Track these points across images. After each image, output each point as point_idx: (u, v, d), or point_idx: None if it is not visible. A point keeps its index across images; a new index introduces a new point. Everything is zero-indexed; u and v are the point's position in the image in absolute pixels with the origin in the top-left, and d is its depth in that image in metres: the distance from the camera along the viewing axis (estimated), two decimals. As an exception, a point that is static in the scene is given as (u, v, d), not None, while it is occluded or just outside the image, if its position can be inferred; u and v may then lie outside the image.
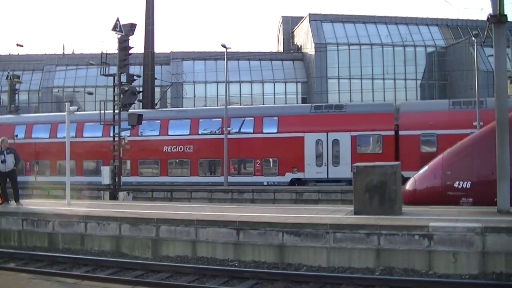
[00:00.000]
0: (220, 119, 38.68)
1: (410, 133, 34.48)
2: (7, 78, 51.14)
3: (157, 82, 45.12)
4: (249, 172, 38.85)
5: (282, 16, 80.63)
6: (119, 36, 34.07)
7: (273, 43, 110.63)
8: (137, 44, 36.87)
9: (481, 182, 18.42)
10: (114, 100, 33.90)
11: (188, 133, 39.46)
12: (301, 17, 74.17)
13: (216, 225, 15.96)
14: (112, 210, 19.30)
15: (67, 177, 22.13)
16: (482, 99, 33.62)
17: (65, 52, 75.80)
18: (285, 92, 69.08)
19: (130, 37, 34.73)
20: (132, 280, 13.18)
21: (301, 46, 73.97)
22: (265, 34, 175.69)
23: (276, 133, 37.91)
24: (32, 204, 22.11)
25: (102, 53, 35.11)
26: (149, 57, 38.17)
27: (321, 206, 18.53)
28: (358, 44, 66.77)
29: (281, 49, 79.98)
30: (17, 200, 22.02)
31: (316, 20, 69.21)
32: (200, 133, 39.67)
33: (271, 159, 38.49)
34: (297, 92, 69.84)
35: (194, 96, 66.96)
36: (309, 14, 70.19)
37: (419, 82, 69.64)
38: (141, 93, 36.92)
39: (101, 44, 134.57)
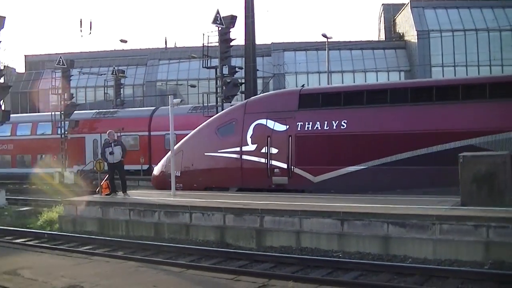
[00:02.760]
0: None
1: (157, 134, 40.69)
2: (112, 73, 52.45)
3: (259, 74, 45.27)
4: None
5: (382, 4, 79.31)
6: (220, 28, 34.41)
7: (374, 32, 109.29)
8: (237, 36, 37.31)
9: (185, 172, 24.21)
10: (216, 92, 34.31)
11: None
12: (402, 4, 72.70)
13: (321, 215, 15.89)
14: (217, 200, 19.45)
15: (172, 169, 22.38)
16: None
17: (167, 46, 77.05)
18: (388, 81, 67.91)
19: (231, 29, 35.03)
20: (236, 270, 13.27)
21: (403, 34, 72.63)
22: (366, 22, 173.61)
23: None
24: (139, 195, 22.58)
25: (203, 46, 35.51)
26: (250, 49, 38.30)
27: (426, 197, 18.08)
28: (463, 30, 64.79)
29: (382, 37, 78.83)
30: (124, 191, 22.62)
31: (418, 7, 67.65)
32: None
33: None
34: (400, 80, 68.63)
35: (297, 87, 66.74)
36: (410, 1, 68.67)
37: (528, 67, 67.02)
38: (243, 85, 37.14)
39: (202, 37, 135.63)
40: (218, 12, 34.14)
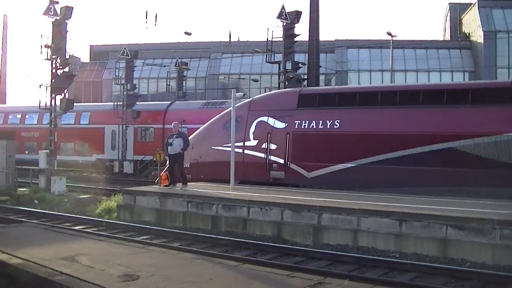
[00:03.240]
0: None
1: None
2: (175, 65, 52.88)
3: (321, 70, 45.06)
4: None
5: (449, 3, 78.10)
6: (285, 23, 34.38)
7: (439, 31, 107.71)
8: (301, 31, 37.31)
9: (194, 164, 25.68)
10: (279, 87, 34.27)
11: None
12: (470, 4, 71.44)
13: (378, 215, 15.75)
14: (275, 195, 19.44)
15: (232, 163, 22.40)
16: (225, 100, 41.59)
17: (231, 40, 77.34)
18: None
19: (296, 25, 34.98)
20: (291, 266, 13.24)
21: (469, 34, 71.44)
22: (431, 21, 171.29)
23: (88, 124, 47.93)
24: (197, 187, 22.70)
25: (267, 40, 35.54)
26: (314, 45, 38.10)
27: (486, 200, 17.78)
28: (531, 30, 63.58)
29: (447, 37, 77.68)
30: (184, 183, 22.80)
31: (486, 6, 66.39)
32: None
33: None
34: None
35: (359, 84, 66.39)
36: (478, 0, 67.61)
37: None
38: (305, 81, 37.04)
39: (264, 32, 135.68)
40: (283, 7, 34.15)
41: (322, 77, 50.45)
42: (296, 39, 35.90)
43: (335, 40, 70.95)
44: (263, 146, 24.04)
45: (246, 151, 24.41)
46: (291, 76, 33.92)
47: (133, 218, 21.25)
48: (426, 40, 70.64)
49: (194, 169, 25.55)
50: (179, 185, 22.87)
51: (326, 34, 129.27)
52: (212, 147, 25.58)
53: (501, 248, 13.77)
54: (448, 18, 78.34)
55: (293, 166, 23.31)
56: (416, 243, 14.94)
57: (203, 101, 46.16)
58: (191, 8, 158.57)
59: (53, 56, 31.24)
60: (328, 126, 22.88)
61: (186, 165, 24.80)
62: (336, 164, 22.21)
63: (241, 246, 16.16)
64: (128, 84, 46.58)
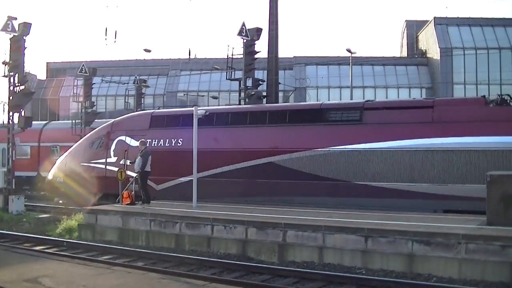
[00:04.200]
0: None
1: (45, 145, 44.81)
2: (134, 83, 52.50)
3: (280, 87, 45.13)
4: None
5: (406, 20, 79.11)
6: (245, 40, 34.38)
7: (396, 48, 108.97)
8: (261, 48, 37.18)
9: (66, 178, 28.48)
10: (239, 104, 34.20)
11: None
12: (426, 21, 72.50)
13: (344, 231, 15.75)
14: (239, 213, 19.34)
15: (194, 177, 22.28)
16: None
17: (190, 57, 77.25)
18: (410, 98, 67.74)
19: (256, 42, 35.01)
20: (259, 285, 13.15)
21: (425, 51, 72.47)
22: (389, 38, 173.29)
23: None
24: (160, 205, 22.52)
25: (228, 57, 35.52)
26: (273, 62, 38.17)
27: (452, 215, 17.98)
28: (486, 48, 64.59)
29: (405, 53, 78.64)
30: (146, 201, 22.87)
31: (442, 24, 67.44)
32: None
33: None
34: (421, 98, 68.41)
35: (318, 101, 66.65)
36: (434, 17, 68.48)
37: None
38: (265, 98, 37.04)
39: (223, 49, 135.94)
40: (243, 24, 34.12)
41: (281, 94, 50.53)
42: (256, 56, 35.89)
43: (294, 57, 71.29)
44: (121, 162, 26.33)
45: (108, 167, 27.13)
46: (252, 93, 33.86)
47: (95, 238, 20.96)
48: (383, 57, 71.50)
49: (66, 183, 28.41)
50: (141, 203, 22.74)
51: (284, 51, 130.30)
52: (81, 164, 28.36)
53: (466, 262, 13.86)
54: (405, 35, 79.32)
55: None
56: (382, 259, 14.99)
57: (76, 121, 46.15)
58: (150, 25, 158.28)
59: (11, 73, 30.76)
60: (172, 144, 26.19)
61: (60, 180, 28.65)
62: (178, 177, 25.15)
63: (206, 264, 15.99)
64: (87, 102, 46.09)
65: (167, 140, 26.40)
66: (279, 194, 22.74)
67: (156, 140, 26.48)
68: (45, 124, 49.09)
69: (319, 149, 22.45)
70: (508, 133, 19.72)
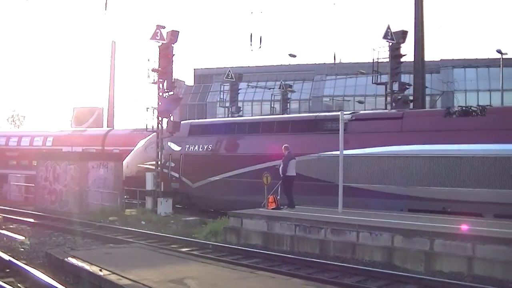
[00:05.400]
0: None
1: (111, 148, 43.90)
2: (279, 88, 52.86)
3: (427, 91, 44.15)
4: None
5: None
6: (391, 44, 33.85)
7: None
8: (406, 51, 36.38)
9: (127, 177, 33.80)
10: (385, 109, 33.74)
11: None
12: None
13: (496, 242, 15.02)
14: (385, 220, 18.95)
15: (340, 183, 22.08)
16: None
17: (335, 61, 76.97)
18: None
19: (402, 45, 34.42)
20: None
21: None
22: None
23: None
24: (304, 210, 22.42)
25: (373, 61, 35.09)
26: (420, 65, 37.36)
27: None
28: None
29: None
30: (291, 206, 22.95)
31: None
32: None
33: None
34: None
35: (465, 105, 64.41)
36: None
37: None
38: (411, 102, 36.31)
39: (368, 53, 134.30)
40: (389, 27, 33.64)
41: (427, 98, 49.38)
42: (402, 59, 35.26)
43: (440, 60, 69.45)
44: (167, 164, 31.95)
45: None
46: (399, 97, 33.30)
47: (239, 241, 21.18)
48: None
49: (127, 182, 33.35)
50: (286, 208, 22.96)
51: (431, 54, 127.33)
52: (138, 165, 34.38)
53: None
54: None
55: (183, 179, 31.95)
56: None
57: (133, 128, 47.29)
58: (295, 30, 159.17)
59: (160, 80, 31.69)
60: (205, 149, 31.40)
61: (123, 178, 33.23)
62: (209, 177, 30.43)
63: (351, 271, 15.77)
64: (233, 107, 46.88)
65: (201, 145, 31.76)
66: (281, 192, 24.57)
67: (193, 145, 32.06)
68: (109, 131, 49.84)
69: (313, 154, 26.71)
70: (466, 141, 22.53)
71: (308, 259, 17.46)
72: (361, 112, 32.38)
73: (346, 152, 22.96)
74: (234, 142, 30.71)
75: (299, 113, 61.41)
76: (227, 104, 48.30)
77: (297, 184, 23.46)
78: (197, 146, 31.67)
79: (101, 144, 44.92)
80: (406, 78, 40.15)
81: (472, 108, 24.55)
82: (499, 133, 21.87)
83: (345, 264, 16.57)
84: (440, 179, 22.66)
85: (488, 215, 21.10)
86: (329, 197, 23.36)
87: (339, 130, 22.71)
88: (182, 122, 34.56)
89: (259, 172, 26.09)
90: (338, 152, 22.57)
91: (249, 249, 19.48)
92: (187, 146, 31.97)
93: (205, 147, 31.22)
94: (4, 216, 28.29)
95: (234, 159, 29.31)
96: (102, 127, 56.16)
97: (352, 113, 27.71)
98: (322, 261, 17.14)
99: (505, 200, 20.73)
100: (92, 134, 47.51)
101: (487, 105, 25.78)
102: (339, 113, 23.47)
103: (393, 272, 15.54)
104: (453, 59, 69.53)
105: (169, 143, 32.56)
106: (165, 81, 31.76)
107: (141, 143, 35.63)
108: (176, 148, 32.58)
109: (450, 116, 24.24)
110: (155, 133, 32.20)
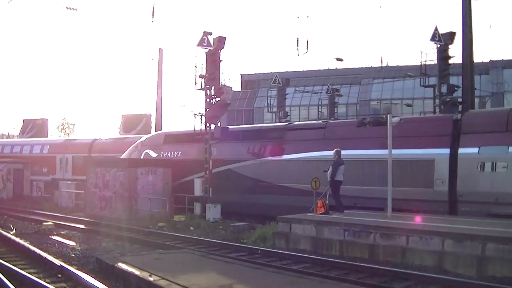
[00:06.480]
0: None
1: (97, 155, 46.72)
2: (327, 92, 52.59)
3: (476, 93, 43.58)
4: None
5: None
6: (438, 46, 33.48)
7: None
8: (454, 53, 35.77)
9: None
10: (434, 112, 33.40)
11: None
12: None
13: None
14: (434, 224, 18.75)
15: (389, 187, 21.94)
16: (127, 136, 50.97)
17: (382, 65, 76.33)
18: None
19: (450, 46, 34.01)
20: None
21: None
22: None
23: None
24: (353, 215, 22.34)
25: (421, 63, 34.76)
26: (468, 67, 36.89)
27: None
28: None
29: None
30: (340, 211, 23.09)
31: None
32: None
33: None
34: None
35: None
36: None
37: None
38: (460, 105, 35.86)
39: (415, 55, 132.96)
40: (436, 29, 33.22)
41: (476, 100, 48.67)
42: (450, 61, 34.84)
43: (490, 61, 68.34)
44: None
45: None
46: (447, 99, 32.88)
47: (288, 246, 21.15)
48: None
49: None
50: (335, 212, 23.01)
51: (480, 55, 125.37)
52: None
53: None
54: None
55: None
56: None
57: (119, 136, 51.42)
58: (341, 34, 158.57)
59: (207, 86, 31.87)
60: (176, 155, 36.25)
61: None
62: (180, 179, 34.74)
63: (401, 276, 15.64)
64: (280, 112, 46.85)
65: (173, 152, 36.59)
66: (237, 191, 31.32)
67: (168, 153, 36.86)
68: (96, 139, 52.16)
69: (257, 160, 31.72)
70: (371, 147, 26.45)
71: (357, 263, 17.39)
72: (295, 123, 36.97)
73: (283, 157, 30.30)
74: (194, 149, 34.77)
75: (346, 118, 61.21)
76: (275, 109, 48.26)
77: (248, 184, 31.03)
78: (170, 153, 36.87)
79: (88, 151, 48.61)
80: (455, 80, 39.63)
81: (382, 118, 26.57)
82: (399, 140, 23.85)
83: (395, 269, 16.42)
84: (351, 179, 25.30)
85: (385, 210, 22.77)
86: (269, 196, 29.68)
87: (276, 138, 31.42)
88: (156, 132, 42.36)
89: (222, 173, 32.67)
90: (277, 158, 30.68)
91: (298, 254, 19.46)
92: (163, 153, 37.30)
93: (176, 154, 36.47)
94: (55, 223, 28.81)
95: (192, 164, 33.89)
96: (150, 133, 57.15)
97: (288, 123, 35.75)
98: (372, 265, 17.03)
99: (397, 196, 22.72)
100: (80, 143, 51.58)
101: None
102: (278, 124, 29.69)
103: (444, 277, 15.37)
104: (503, 60, 68.40)
105: (147, 150, 38.33)
106: (213, 87, 31.99)
107: (128, 150, 40.31)
108: (153, 154, 37.90)
109: (363, 126, 27.87)
110: (137, 142, 39.35)
